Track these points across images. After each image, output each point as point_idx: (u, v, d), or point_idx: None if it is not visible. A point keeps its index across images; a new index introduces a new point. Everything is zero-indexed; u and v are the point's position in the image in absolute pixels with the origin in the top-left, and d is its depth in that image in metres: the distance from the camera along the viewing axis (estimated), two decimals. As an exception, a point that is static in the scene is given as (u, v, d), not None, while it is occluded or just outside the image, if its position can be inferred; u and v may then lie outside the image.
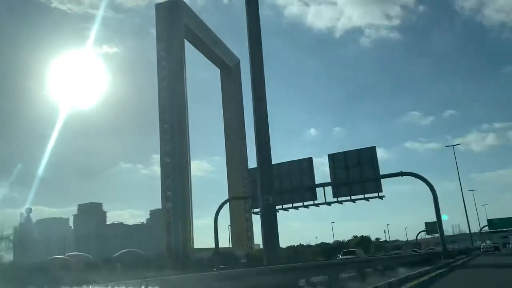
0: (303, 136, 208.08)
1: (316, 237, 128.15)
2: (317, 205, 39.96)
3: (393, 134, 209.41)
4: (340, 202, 39.33)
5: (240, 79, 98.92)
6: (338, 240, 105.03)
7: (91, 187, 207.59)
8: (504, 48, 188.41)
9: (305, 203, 39.92)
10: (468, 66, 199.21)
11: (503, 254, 50.03)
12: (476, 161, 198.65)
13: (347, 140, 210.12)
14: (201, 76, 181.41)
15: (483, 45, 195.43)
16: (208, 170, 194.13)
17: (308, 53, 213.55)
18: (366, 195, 38.20)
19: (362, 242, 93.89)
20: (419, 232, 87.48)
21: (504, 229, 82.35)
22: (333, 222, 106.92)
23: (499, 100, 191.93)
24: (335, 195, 38.91)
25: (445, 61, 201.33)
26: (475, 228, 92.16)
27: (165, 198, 79.83)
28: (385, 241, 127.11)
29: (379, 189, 37.79)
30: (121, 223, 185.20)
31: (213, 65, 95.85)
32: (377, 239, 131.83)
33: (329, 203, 39.68)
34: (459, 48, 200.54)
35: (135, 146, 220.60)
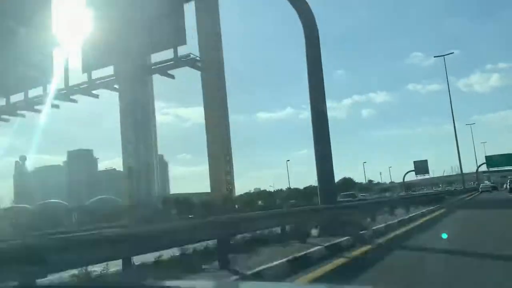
0: (305, 80, 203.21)
1: (271, 185, 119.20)
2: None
3: (395, 76, 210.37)
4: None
5: None
6: (311, 185, 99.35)
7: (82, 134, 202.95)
8: None
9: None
10: (474, 5, 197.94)
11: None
12: (478, 102, 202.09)
13: (350, 83, 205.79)
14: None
15: None
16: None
17: None
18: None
19: (346, 184, 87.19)
20: (407, 173, 79.16)
21: (503, 168, 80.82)
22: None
23: (504, 39, 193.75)
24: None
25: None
26: (473, 168, 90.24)
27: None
28: (374, 182, 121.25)
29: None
30: (114, 169, 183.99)
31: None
32: (370, 180, 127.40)
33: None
34: None
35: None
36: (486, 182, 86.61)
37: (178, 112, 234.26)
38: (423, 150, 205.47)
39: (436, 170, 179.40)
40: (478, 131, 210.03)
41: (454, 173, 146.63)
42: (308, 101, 13.16)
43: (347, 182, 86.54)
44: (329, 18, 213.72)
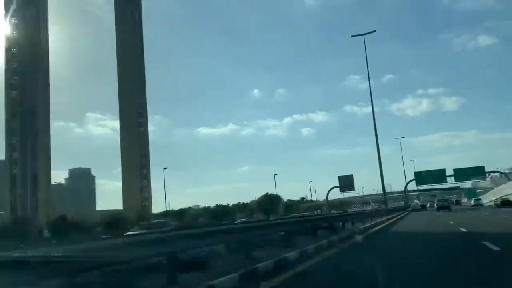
0: (246, 98, 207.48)
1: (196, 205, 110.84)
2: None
3: (333, 97, 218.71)
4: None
5: None
6: (240, 202, 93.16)
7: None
8: (442, 14, 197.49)
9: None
10: (408, 31, 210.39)
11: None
12: (410, 126, 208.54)
13: (291, 103, 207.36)
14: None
15: (423, 11, 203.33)
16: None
17: (255, 8, 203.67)
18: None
19: (268, 202, 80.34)
20: (331, 189, 73.17)
21: (431, 186, 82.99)
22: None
23: (434, 66, 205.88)
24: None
25: (387, 25, 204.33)
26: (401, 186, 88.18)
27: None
28: (308, 200, 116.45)
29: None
30: None
31: None
32: (303, 198, 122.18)
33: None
34: (401, 12, 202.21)
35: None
36: (416, 201, 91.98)
37: (115, 125, 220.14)
38: (359, 168, 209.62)
39: (369, 188, 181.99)
40: (409, 153, 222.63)
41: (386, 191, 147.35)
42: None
43: (273, 200, 79.95)
44: (272, 38, 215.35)
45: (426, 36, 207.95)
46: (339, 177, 67.14)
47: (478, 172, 73.86)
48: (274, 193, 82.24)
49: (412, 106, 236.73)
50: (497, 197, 65.36)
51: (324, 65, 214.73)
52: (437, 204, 55.05)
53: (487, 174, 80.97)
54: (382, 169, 39.07)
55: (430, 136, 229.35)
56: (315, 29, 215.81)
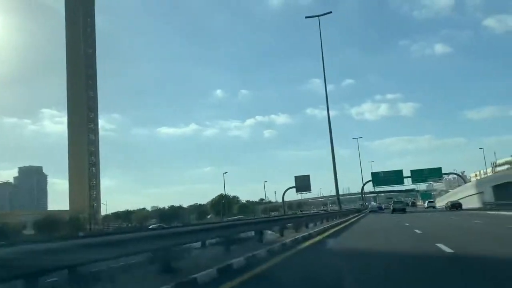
0: (209, 98, 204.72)
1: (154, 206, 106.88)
2: None
3: (295, 100, 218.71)
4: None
5: None
6: (197, 203, 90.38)
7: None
8: (402, 21, 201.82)
9: None
10: (369, 38, 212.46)
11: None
12: (368, 130, 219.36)
13: (254, 104, 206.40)
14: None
15: (383, 18, 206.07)
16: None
17: (218, 8, 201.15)
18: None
19: (225, 203, 77.48)
20: (287, 189, 71.05)
21: (388, 188, 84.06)
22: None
23: (392, 72, 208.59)
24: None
25: (348, 30, 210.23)
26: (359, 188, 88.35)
27: None
28: (267, 201, 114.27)
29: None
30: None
31: None
32: (262, 199, 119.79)
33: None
34: (362, 18, 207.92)
35: None
36: (373, 203, 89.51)
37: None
38: (318, 170, 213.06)
39: (327, 189, 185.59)
40: (367, 156, 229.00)
41: (344, 193, 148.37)
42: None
43: (228, 201, 77.09)
44: (236, 38, 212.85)
45: (385, 42, 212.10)
46: (295, 177, 64.79)
47: (435, 173, 73.40)
48: (229, 194, 79.28)
49: (370, 110, 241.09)
50: (452, 200, 65.58)
51: (287, 68, 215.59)
52: (393, 207, 55.23)
53: (443, 176, 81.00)
54: (336, 170, 36.85)
55: (387, 140, 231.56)
56: (278, 31, 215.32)
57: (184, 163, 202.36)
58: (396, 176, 73.44)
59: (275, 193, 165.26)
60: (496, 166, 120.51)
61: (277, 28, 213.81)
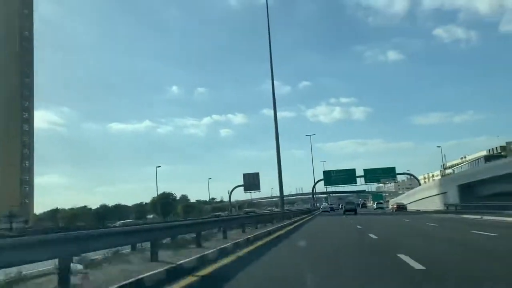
0: (164, 94, 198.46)
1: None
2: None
3: (252, 100, 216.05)
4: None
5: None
6: (143, 201, 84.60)
7: None
8: (357, 27, 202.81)
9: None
10: (326, 41, 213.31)
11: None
12: (322, 132, 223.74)
13: (211, 102, 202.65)
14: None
15: (340, 22, 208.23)
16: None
17: (175, 2, 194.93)
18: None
19: (167, 202, 72.67)
20: (235, 188, 67.17)
21: (340, 189, 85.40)
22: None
23: (347, 76, 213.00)
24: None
25: (306, 33, 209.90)
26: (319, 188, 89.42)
27: None
28: (218, 201, 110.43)
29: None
30: None
31: None
32: (213, 199, 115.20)
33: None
34: (320, 22, 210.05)
35: None
36: (325, 203, 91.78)
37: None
38: (274, 170, 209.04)
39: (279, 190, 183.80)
40: (321, 158, 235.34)
41: (296, 192, 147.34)
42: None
43: (171, 200, 72.16)
44: (194, 35, 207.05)
45: (342, 47, 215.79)
46: (244, 175, 60.77)
47: (388, 173, 71.75)
48: (173, 193, 74.42)
49: (325, 113, 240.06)
50: (398, 202, 66.97)
51: (245, 68, 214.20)
52: (345, 208, 55.11)
53: (397, 176, 79.74)
54: (280, 168, 32.64)
55: (340, 142, 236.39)
56: (236, 30, 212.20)
57: (137, 161, 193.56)
58: (348, 176, 71.23)
59: (228, 192, 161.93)
60: (445, 168, 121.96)
61: (236, 27, 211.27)
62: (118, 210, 75.15)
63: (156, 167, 66.22)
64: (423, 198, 56.73)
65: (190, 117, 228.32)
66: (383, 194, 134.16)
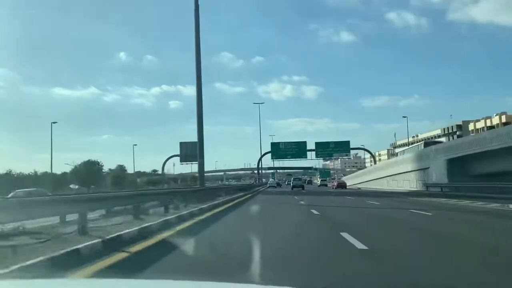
0: (111, 60, 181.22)
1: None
2: None
3: (204, 72, 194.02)
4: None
5: None
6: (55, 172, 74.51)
7: None
8: (314, 5, 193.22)
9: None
10: (280, 17, 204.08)
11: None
12: (274, 109, 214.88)
13: (161, 72, 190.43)
14: None
15: (300, 1, 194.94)
16: None
17: None
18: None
19: (91, 172, 62.97)
20: (169, 158, 58.68)
21: (288, 165, 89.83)
22: None
23: (300, 54, 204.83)
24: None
25: (260, 7, 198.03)
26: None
27: None
28: (154, 172, 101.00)
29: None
30: None
31: None
32: (154, 170, 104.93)
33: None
34: None
35: None
36: (271, 179, 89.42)
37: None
38: (223, 145, 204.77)
39: (230, 165, 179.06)
40: (270, 134, 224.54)
41: (240, 167, 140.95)
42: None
43: (96, 170, 63.19)
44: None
45: (297, 24, 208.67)
46: (180, 144, 51.83)
47: (342, 147, 65.60)
48: (99, 161, 65.02)
49: (276, 90, 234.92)
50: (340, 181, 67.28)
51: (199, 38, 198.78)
52: (292, 184, 55.03)
53: (351, 152, 73.55)
54: (202, 136, 22.16)
55: (290, 120, 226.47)
56: (190, 2, 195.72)
57: (80, 129, 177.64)
58: (298, 149, 64.57)
59: (174, 165, 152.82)
60: (395, 147, 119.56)
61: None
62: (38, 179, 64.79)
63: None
64: (391, 176, 48.15)
65: (138, 86, 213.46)
66: (331, 171, 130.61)
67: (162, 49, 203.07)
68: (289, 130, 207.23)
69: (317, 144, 65.52)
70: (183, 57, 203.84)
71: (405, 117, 61.10)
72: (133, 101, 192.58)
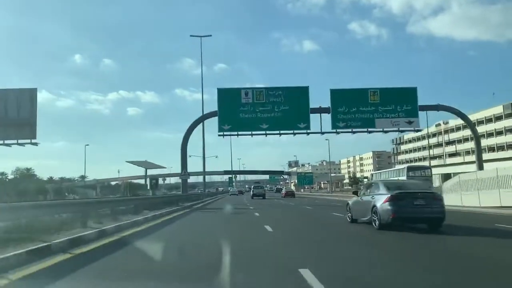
0: (65, 63, 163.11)
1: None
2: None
3: (165, 78, 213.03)
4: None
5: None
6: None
7: None
8: (276, 14, 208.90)
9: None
10: (246, 25, 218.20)
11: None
12: None
13: (118, 77, 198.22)
14: None
15: (260, 7, 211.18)
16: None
17: None
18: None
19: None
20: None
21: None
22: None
23: (263, 62, 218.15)
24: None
25: (228, 14, 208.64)
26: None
27: None
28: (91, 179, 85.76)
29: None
30: None
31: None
32: (83, 177, 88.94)
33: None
34: (241, 6, 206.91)
35: None
36: (233, 189, 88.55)
37: None
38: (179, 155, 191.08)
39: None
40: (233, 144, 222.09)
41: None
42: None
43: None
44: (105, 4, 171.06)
45: (261, 32, 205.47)
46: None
47: (407, 96, 34.70)
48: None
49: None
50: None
51: (159, 44, 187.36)
52: (252, 192, 53.85)
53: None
54: None
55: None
56: (155, 5, 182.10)
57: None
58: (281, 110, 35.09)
59: (119, 172, 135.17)
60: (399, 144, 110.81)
61: (154, 2, 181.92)
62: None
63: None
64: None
65: (94, 91, 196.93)
66: (313, 176, 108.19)
67: (119, 53, 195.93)
68: (253, 141, 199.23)
69: (333, 93, 33.10)
70: (142, 62, 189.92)
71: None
72: (89, 106, 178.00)
